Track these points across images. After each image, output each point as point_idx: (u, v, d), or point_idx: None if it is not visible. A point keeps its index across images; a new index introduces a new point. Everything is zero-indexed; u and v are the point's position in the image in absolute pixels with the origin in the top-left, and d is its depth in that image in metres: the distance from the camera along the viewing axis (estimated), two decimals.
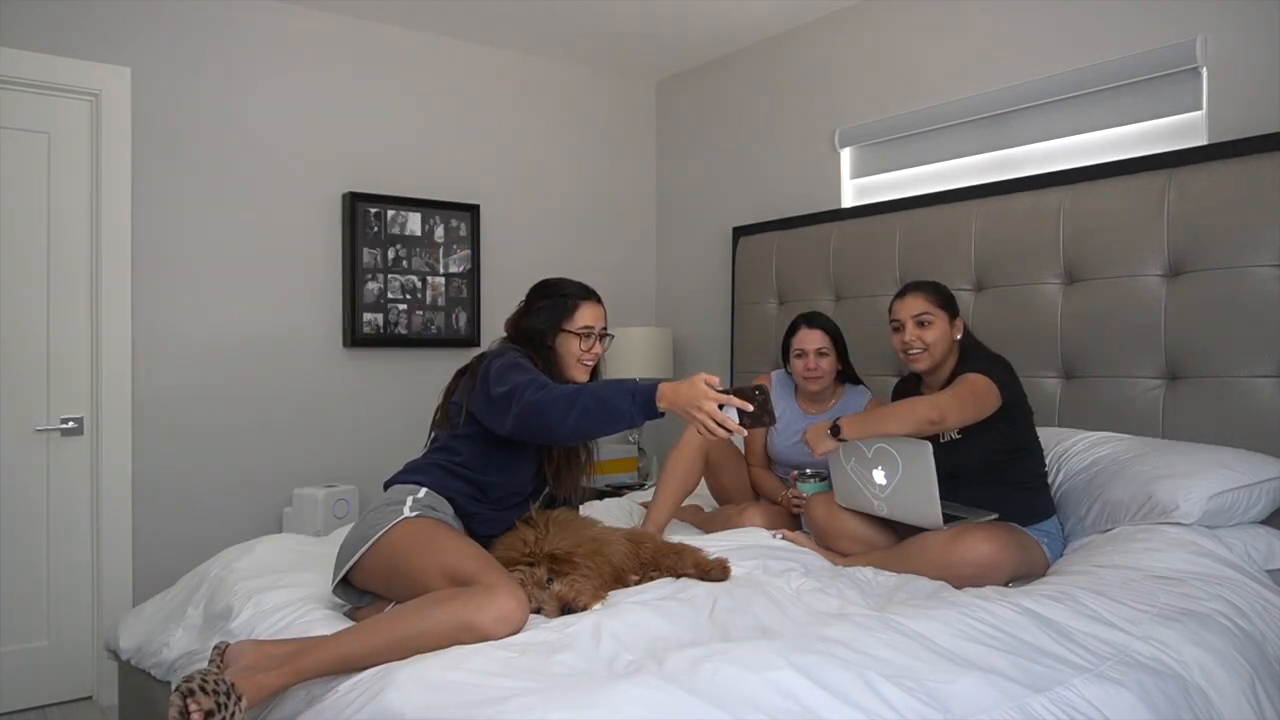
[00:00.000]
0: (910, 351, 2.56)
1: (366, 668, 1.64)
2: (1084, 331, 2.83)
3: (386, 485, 2.22)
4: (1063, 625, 1.82)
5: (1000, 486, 2.46)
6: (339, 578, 2.04)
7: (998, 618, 1.81)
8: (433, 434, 2.32)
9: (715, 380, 1.92)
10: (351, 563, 2.00)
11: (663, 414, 1.92)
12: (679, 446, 2.90)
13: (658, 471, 3.89)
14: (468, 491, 2.18)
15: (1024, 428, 2.49)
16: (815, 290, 3.64)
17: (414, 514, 2.02)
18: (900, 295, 2.62)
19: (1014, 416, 2.45)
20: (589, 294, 2.36)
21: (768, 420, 1.92)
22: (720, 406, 1.89)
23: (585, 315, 2.32)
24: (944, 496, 2.37)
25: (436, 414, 2.33)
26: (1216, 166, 2.58)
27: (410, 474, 2.21)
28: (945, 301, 2.57)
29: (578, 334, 2.31)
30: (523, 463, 2.23)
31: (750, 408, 1.90)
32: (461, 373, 2.32)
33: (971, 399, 2.34)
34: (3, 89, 3.14)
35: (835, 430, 2.38)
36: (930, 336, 2.53)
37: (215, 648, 1.76)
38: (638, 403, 1.91)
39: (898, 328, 2.59)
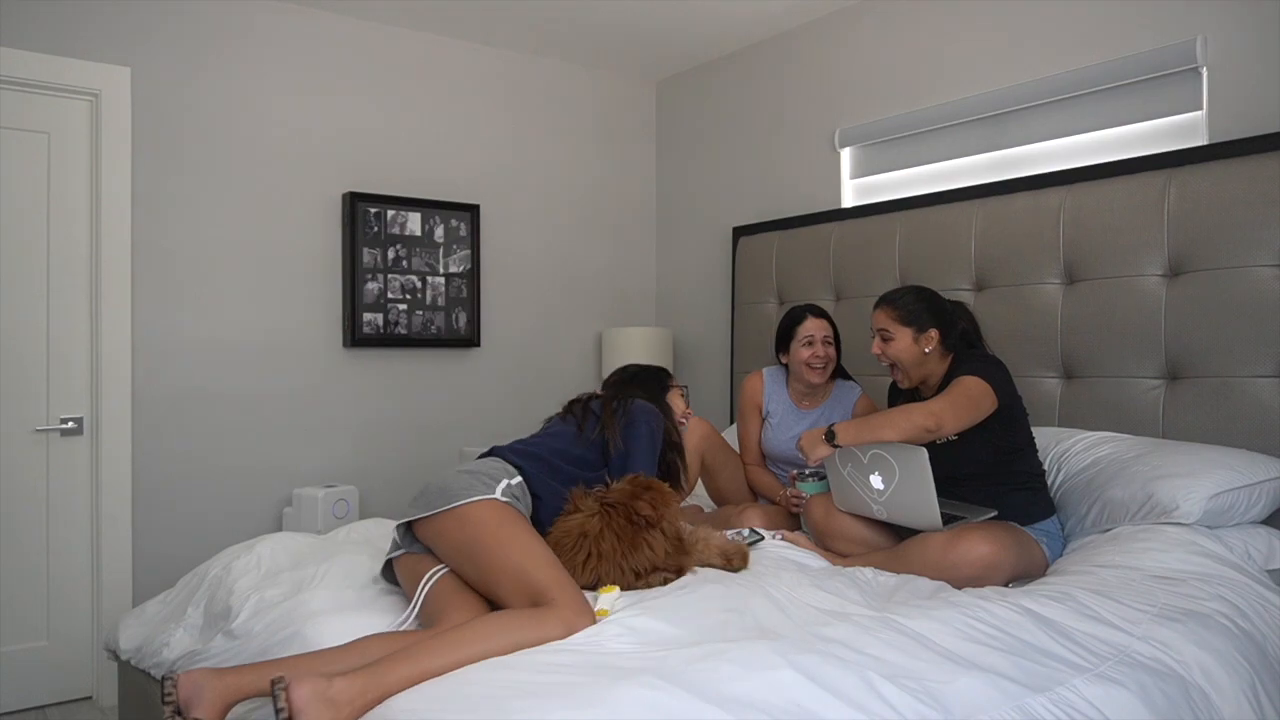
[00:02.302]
0: (881, 364, 2.59)
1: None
2: (1084, 331, 2.83)
3: (492, 450, 2.24)
4: (1063, 625, 1.82)
5: (998, 487, 2.46)
6: (406, 520, 2.05)
7: (998, 618, 1.81)
8: (556, 421, 2.43)
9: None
10: (426, 514, 1.99)
11: None
12: None
13: None
14: (557, 491, 2.18)
15: (1020, 428, 2.49)
16: (815, 290, 3.64)
17: (504, 499, 2.01)
18: (874, 307, 2.61)
19: (1010, 417, 2.45)
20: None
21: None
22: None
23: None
24: (946, 495, 2.37)
25: (573, 409, 2.44)
26: (1216, 166, 2.58)
27: (518, 456, 2.21)
28: (913, 316, 2.51)
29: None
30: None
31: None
32: (615, 387, 2.53)
33: (967, 402, 2.34)
34: (3, 89, 3.14)
35: (830, 436, 2.38)
36: (892, 351, 2.52)
37: (166, 678, 1.60)
38: None
39: (873, 337, 2.60)
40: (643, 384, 2.58)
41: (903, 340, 2.51)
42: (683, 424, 2.63)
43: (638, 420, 2.38)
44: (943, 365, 2.55)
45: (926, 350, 2.51)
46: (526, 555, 1.90)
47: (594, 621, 1.78)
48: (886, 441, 2.32)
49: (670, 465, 2.46)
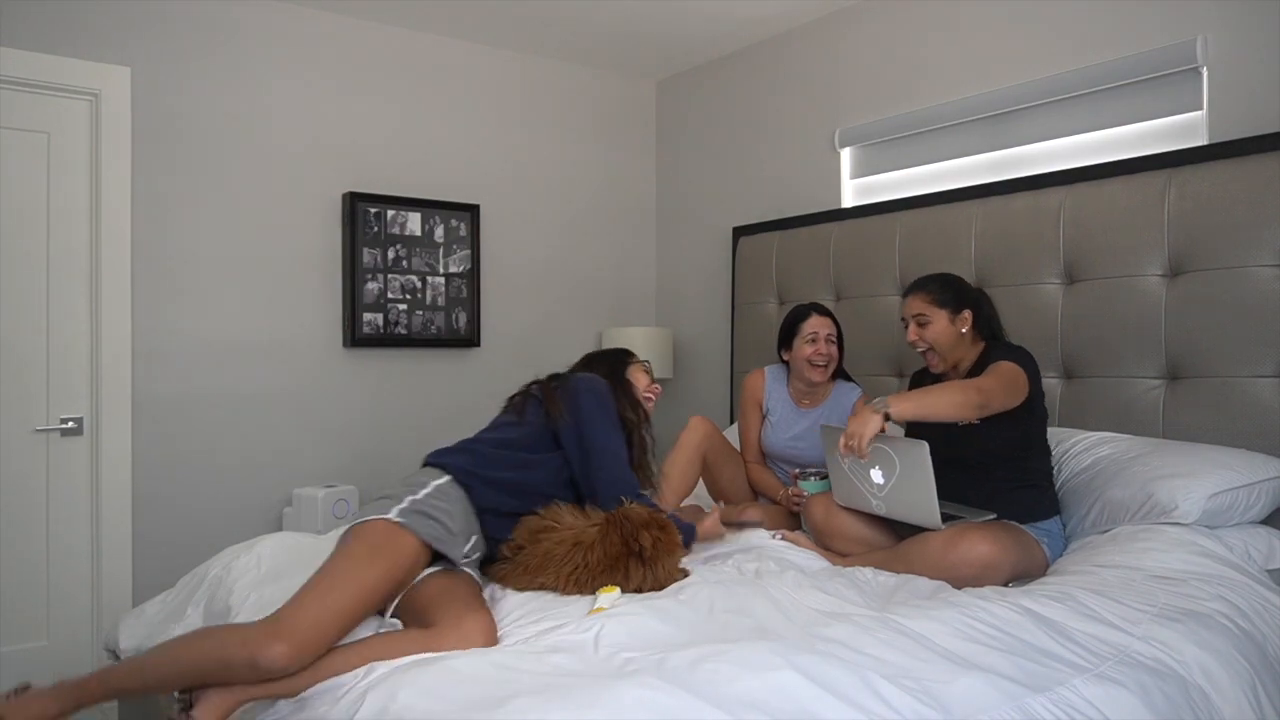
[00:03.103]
0: (917, 350, 2.60)
1: (160, 690, 1.71)
2: (1084, 331, 2.83)
3: (430, 455, 2.23)
4: (1063, 625, 1.82)
5: (1008, 480, 2.47)
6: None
7: (998, 618, 1.81)
8: (499, 415, 2.41)
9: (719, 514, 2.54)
10: (343, 530, 2.00)
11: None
12: (676, 448, 2.91)
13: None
14: (491, 479, 2.16)
15: (1039, 423, 2.51)
16: (815, 290, 3.64)
17: (397, 519, 1.94)
18: (905, 294, 2.65)
19: (1032, 410, 2.47)
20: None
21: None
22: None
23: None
24: (954, 483, 2.37)
25: (513, 400, 2.42)
26: (1216, 166, 2.58)
27: (448, 454, 2.20)
28: (946, 298, 2.57)
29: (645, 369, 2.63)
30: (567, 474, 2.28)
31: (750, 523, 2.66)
32: (556, 379, 2.43)
33: (1010, 385, 2.36)
34: (3, 89, 3.14)
35: (882, 406, 2.29)
36: (930, 335, 2.56)
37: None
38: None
39: (906, 326, 2.63)
40: (600, 363, 2.55)
41: (939, 322, 2.55)
42: (648, 399, 2.55)
43: (578, 391, 2.32)
44: (974, 351, 2.58)
45: (963, 331, 2.56)
46: (317, 582, 1.79)
47: (295, 659, 1.63)
48: (941, 415, 2.29)
49: (630, 442, 2.38)
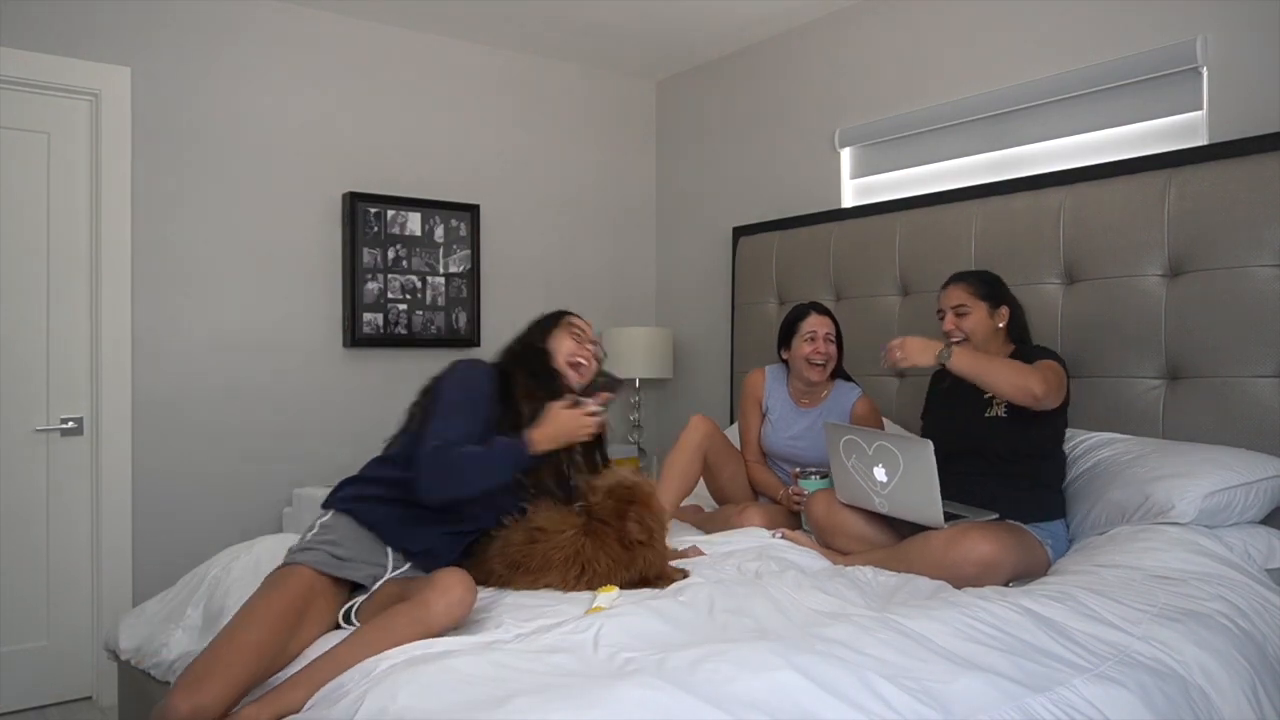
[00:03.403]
0: (951, 340, 2.60)
1: None
2: (1084, 331, 2.83)
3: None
4: (1063, 625, 1.82)
5: (1024, 477, 2.48)
6: None
7: (998, 618, 1.81)
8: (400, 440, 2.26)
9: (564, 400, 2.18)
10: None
11: (541, 456, 2.13)
12: (677, 447, 2.91)
13: (657, 471, 3.89)
14: (365, 494, 2.12)
15: (1062, 427, 2.53)
16: (815, 290, 3.64)
17: (285, 561, 1.98)
18: (944, 286, 2.68)
19: (1064, 410, 2.49)
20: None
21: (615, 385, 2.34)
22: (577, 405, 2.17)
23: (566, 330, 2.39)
24: (971, 478, 2.38)
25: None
26: (1216, 166, 2.58)
27: (338, 487, 2.17)
28: (986, 292, 2.61)
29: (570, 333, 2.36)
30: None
31: (610, 395, 2.26)
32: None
33: (1058, 383, 2.38)
34: (3, 89, 3.14)
35: (946, 353, 2.35)
36: (967, 325, 2.58)
37: None
38: (519, 464, 2.10)
39: (941, 317, 2.64)
40: (525, 333, 2.37)
41: (978, 314, 2.58)
42: (577, 363, 2.29)
43: (440, 382, 2.18)
44: (1005, 350, 2.60)
45: (1000, 326, 2.59)
46: (230, 627, 1.81)
47: (189, 713, 1.62)
48: (996, 385, 2.33)
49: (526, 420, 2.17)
